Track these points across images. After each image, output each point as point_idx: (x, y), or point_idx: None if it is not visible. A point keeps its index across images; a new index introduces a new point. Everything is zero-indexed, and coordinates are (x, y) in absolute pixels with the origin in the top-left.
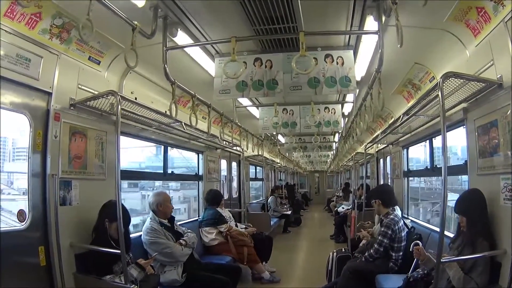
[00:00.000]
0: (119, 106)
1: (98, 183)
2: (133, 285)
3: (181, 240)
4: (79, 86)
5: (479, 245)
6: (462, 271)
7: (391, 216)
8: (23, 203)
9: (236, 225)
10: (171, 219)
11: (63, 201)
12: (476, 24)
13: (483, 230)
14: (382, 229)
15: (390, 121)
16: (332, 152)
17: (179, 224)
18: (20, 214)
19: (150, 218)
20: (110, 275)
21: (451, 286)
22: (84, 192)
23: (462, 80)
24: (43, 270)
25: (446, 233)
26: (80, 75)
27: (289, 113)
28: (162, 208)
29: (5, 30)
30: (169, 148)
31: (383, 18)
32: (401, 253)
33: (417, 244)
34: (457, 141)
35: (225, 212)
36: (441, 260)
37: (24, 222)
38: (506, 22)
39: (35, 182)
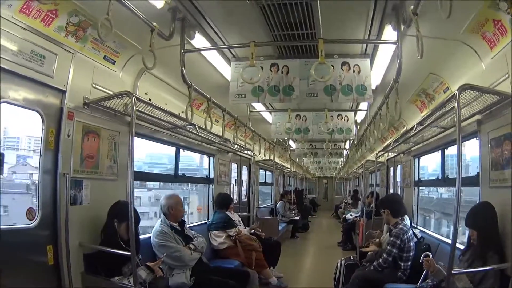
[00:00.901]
0: (134, 107)
1: (109, 184)
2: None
3: (190, 245)
4: (94, 85)
5: (489, 259)
6: (471, 284)
7: (400, 226)
8: None
9: (245, 227)
10: (182, 223)
11: (74, 201)
12: (492, 36)
13: (494, 243)
14: (391, 238)
15: (403, 130)
16: (342, 159)
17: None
18: (30, 212)
19: (161, 221)
20: (118, 276)
21: None
22: (95, 192)
23: (477, 92)
24: (51, 269)
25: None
26: (94, 74)
27: (302, 119)
28: (173, 211)
29: (20, 26)
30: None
31: (402, 28)
32: (409, 263)
33: (427, 256)
34: (468, 153)
35: (235, 216)
36: (452, 272)
37: (34, 220)
38: None
39: (46, 180)
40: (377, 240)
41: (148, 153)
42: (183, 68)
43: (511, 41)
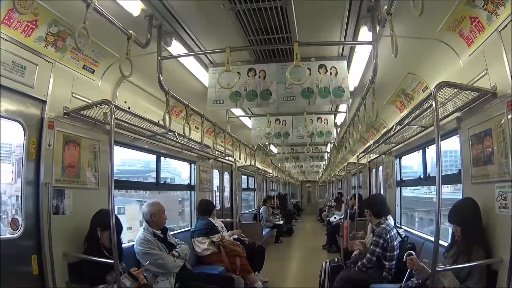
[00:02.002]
0: (113, 116)
1: (91, 193)
2: None
3: (173, 252)
4: (73, 94)
5: (474, 254)
6: (458, 280)
7: (383, 226)
8: None
9: (227, 231)
10: (164, 230)
11: (56, 210)
12: (469, 33)
13: (478, 238)
14: (374, 238)
15: (383, 131)
16: (324, 162)
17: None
18: (14, 223)
19: (144, 229)
20: (103, 285)
21: None
22: (77, 201)
23: (455, 90)
24: (36, 279)
25: (440, 242)
26: (74, 84)
27: (282, 123)
28: (156, 219)
29: (2, 38)
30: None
31: (377, 29)
32: (394, 262)
33: (410, 254)
34: (449, 151)
35: (218, 222)
36: (436, 269)
37: (17, 231)
38: (500, 32)
39: (28, 190)
40: (361, 240)
41: (123, 159)
42: (160, 75)
43: (488, 37)
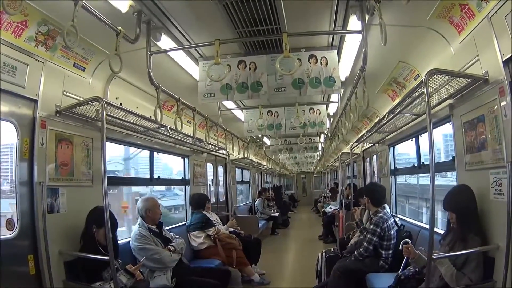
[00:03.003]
0: (104, 112)
1: (85, 190)
2: None
3: (169, 246)
4: (65, 93)
5: (470, 241)
6: (455, 267)
7: (380, 214)
8: None
9: (223, 224)
10: (160, 225)
11: (51, 209)
12: (460, 20)
13: (474, 225)
14: (371, 227)
15: (376, 120)
16: (318, 153)
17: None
18: (9, 223)
19: (139, 224)
20: (100, 282)
21: (444, 283)
22: (72, 199)
23: (447, 77)
24: (33, 279)
25: (435, 229)
26: (65, 82)
27: (274, 115)
28: (150, 214)
29: None
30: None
31: (367, 17)
32: (391, 251)
33: (406, 243)
34: (441, 138)
35: (213, 216)
36: (433, 256)
37: (13, 231)
38: (490, 18)
39: (23, 190)
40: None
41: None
42: (150, 70)
43: (479, 24)
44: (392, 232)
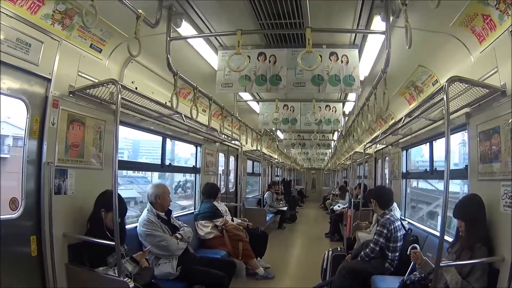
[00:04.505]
0: (119, 95)
1: (94, 173)
2: (127, 278)
3: (177, 234)
4: (79, 73)
5: (477, 250)
6: (460, 276)
7: (387, 216)
8: None
9: (232, 219)
10: (168, 212)
11: (58, 190)
12: (481, 31)
13: (482, 235)
14: (378, 228)
15: (391, 122)
16: (330, 150)
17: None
18: (13, 202)
19: (147, 210)
20: (103, 267)
21: None
22: (80, 182)
23: (466, 85)
24: (34, 260)
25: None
26: (80, 63)
27: (290, 110)
28: (160, 201)
29: (6, 14)
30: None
31: (391, 19)
32: (397, 254)
33: (414, 248)
34: (455, 146)
35: (221, 206)
36: (440, 264)
37: (17, 211)
38: (510, 32)
39: (29, 169)
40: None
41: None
42: (168, 56)
43: (499, 36)
44: (399, 234)
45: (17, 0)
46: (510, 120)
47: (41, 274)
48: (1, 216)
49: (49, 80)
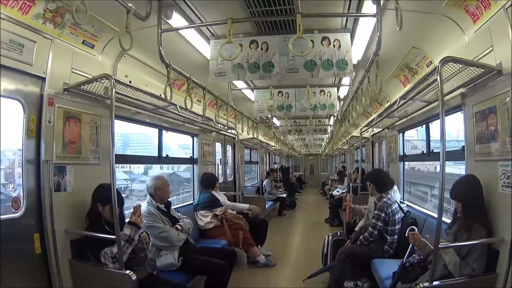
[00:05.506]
0: (114, 90)
1: (93, 168)
2: (128, 271)
3: (177, 225)
4: (73, 70)
5: (475, 231)
6: (458, 256)
7: (384, 199)
8: None
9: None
10: (168, 204)
11: (58, 187)
12: (475, 10)
13: (479, 216)
14: (376, 212)
15: (386, 105)
16: (327, 136)
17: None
18: (15, 202)
19: (147, 202)
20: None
21: (448, 272)
22: (79, 178)
23: (460, 65)
24: (39, 257)
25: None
26: (74, 59)
27: (285, 96)
28: (159, 193)
29: None
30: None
31: (381, 1)
32: (396, 236)
33: (412, 230)
34: (452, 127)
35: (220, 196)
36: (439, 246)
37: (19, 210)
38: (506, 9)
39: (29, 168)
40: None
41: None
42: (160, 48)
43: (495, 14)
44: (397, 217)
45: (8, 2)
46: (508, 99)
47: (46, 271)
48: (5, 216)
49: (43, 79)
